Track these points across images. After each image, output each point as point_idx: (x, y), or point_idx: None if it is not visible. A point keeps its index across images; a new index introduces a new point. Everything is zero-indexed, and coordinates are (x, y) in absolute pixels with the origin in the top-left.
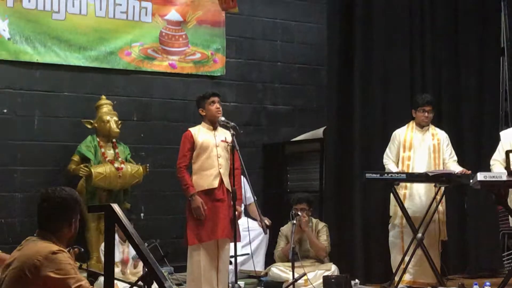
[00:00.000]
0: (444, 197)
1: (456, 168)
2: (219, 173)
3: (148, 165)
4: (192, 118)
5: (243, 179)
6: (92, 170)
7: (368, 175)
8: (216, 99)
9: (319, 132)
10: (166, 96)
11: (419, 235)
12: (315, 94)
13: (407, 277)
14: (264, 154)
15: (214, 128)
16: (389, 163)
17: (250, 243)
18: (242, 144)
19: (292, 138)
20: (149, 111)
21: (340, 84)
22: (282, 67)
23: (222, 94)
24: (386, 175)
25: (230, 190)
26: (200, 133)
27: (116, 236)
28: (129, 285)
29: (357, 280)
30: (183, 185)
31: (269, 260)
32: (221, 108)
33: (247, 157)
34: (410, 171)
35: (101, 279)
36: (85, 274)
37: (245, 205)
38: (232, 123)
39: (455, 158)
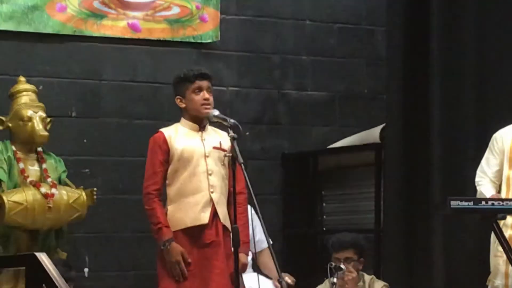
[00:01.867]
0: None
1: None
2: (211, 200)
3: (95, 189)
4: (167, 112)
5: (250, 210)
6: (5, 198)
7: (454, 204)
8: (204, 83)
9: (373, 135)
10: (124, 77)
11: None
12: (366, 72)
13: None
14: (284, 170)
15: (202, 128)
16: (484, 184)
17: None
18: (248, 153)
19: (329, 144)
20: (97, 101)
21: (408, 58)
22: (312, 29)
23: (216, 73)
24: (483, 203)
25: (229, 228)
26: (179, 136)
27: None
28: None
29: None
30: (152, 223)
31: None
32: (211, 99)
33: (257, 175)
34: None
35: None
36: None
37: (254, 254)
38: (232, 120)
39: None
